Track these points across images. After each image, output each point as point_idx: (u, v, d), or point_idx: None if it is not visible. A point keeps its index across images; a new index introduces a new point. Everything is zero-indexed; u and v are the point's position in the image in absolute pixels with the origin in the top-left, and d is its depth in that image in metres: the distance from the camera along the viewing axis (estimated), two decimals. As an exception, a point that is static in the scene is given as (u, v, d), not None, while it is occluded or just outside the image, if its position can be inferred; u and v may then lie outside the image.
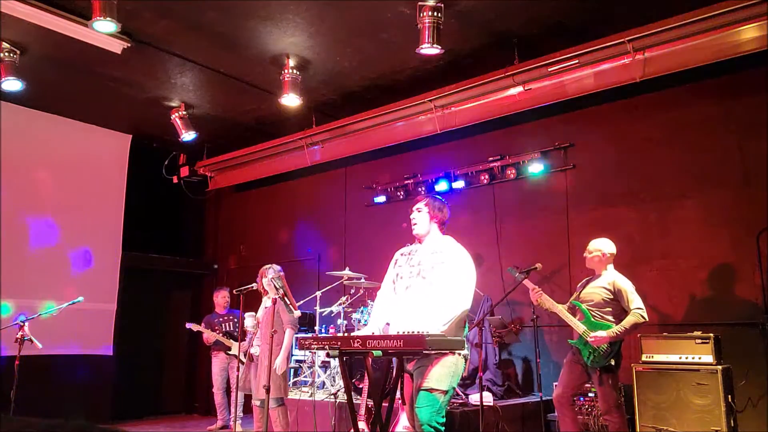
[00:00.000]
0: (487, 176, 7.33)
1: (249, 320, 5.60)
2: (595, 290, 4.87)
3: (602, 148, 6.67)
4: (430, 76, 6.68)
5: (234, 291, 7.48)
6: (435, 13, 5.20)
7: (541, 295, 4.92)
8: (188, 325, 7.67)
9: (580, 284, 5.14)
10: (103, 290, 8.52)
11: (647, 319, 4.69)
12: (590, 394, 5.52)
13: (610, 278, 4.86)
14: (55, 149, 8.24)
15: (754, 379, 5.28)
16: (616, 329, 4.64)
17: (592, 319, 4.77)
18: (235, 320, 7.62)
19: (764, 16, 5.03)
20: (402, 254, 3.94)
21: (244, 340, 5.83)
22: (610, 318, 4.76)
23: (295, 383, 7.25)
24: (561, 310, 4.91)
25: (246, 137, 8.69)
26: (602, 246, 4.95)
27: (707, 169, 5.95)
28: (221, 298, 7.89)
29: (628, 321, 4.63)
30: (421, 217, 3.81)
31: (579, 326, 4.78)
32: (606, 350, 4.65)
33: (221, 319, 7.67)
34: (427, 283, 3.63)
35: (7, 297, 7.49)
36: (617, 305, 4.78)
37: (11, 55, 6.19)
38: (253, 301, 5.90)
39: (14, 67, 6.24)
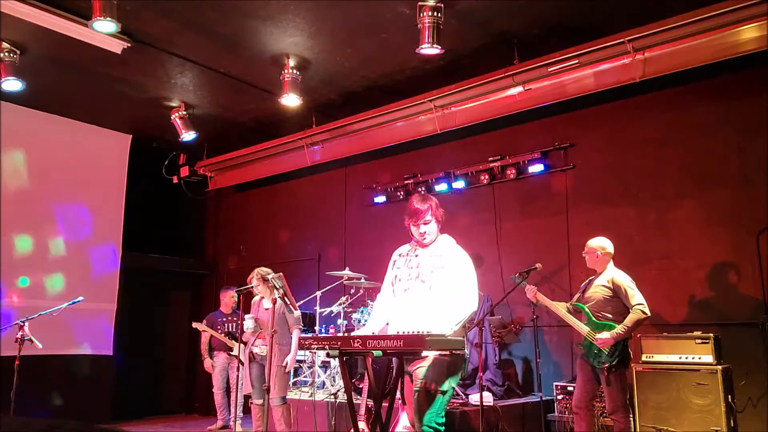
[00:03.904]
0: (487, 176, 7.33)
1: (249, 322, 5.57)
2: (596, 289, 4.86)
3: (602, 148, 6.66)
4: (430, 76, 6.68)
5: (234, 290, 7.51)
6: (435, 13, 5.20)
7: (537, 293, 4.93)
8: (194, 325, 7.64)
9: (583, 285, 5.12)
10: (103, 290, 8.52)
11: (649, 314, 4.65)
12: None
13: (609, 275, 4.84)
14: (55, 149, 8.23)
15: (754, 379, 5.28)
16: (619, 329, 4.62)
17: (595, 320, 4.76)
18: (239, 321, 7.60)
19: (764, 16, 5.03)
20: (400, 255, 3.87)
21: (245, 342, 5.80)
22: (612, 316, 4.74)
23: (295, 383, 7.25)
24: (559, 309, 4.90)
25: (246, 137, 8.69)
26: (599, 244, 4.94)
27: (707, 169, 5.95)
28: (229, 298, 7.79)
29: (630, 319, 4.61)
30: (431, 228, 3.71)
31: (582, 327, 4.77)
32: (610, 349, 4.64)
33: (224, 319, 7.63)
34: (426, 287, 3.60)
35: (10, 297, 7.49)
36: (618, 302, 4.75)
37: (11, 55, 6.19)
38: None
39: (14, 67, 6.24)
